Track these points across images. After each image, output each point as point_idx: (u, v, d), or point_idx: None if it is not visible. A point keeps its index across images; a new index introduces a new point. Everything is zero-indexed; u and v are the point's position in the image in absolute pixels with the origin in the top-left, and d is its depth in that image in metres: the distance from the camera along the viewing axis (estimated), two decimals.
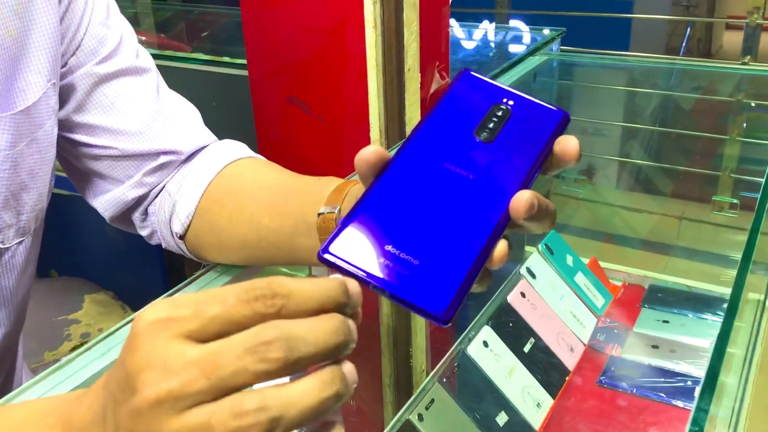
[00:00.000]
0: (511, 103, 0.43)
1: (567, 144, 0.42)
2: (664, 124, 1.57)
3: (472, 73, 0.44)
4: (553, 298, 0.96)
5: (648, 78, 1.52)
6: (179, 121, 0.71)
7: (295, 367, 0.31)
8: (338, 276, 0.36)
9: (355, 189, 0.57)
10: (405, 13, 0.74)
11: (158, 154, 0.69)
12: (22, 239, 0.66)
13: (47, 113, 0.64)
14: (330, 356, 0.32)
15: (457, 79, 0.44)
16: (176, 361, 0.30)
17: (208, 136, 0.74)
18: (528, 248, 1.19)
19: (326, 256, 0.37)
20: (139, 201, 0.71)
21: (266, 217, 0.65)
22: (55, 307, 1.59)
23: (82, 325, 1.57)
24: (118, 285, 1.71)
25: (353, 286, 0.35)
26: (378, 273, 0.36)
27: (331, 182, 0.61)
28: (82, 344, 1.55)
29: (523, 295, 0.93)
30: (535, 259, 0.98)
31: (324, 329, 0.32)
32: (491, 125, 0.42)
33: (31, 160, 0.63)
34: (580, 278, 1.02)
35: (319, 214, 0.58)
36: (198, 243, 0.70)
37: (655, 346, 0.94)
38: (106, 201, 0.71)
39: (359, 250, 0.37)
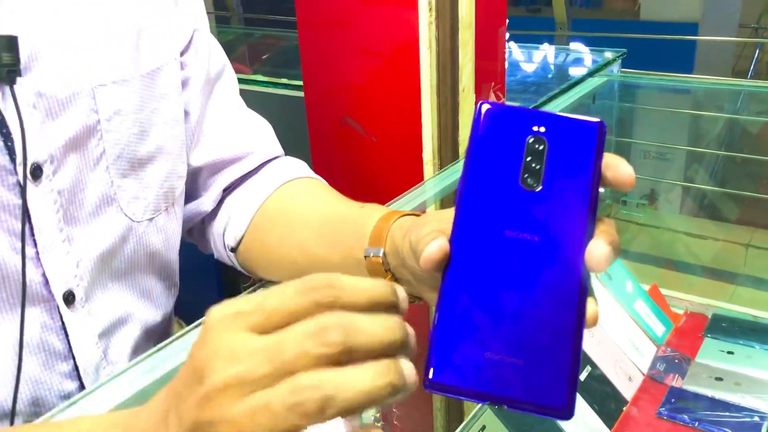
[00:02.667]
0: (542, 129, 0.40)
1: (620, 172, 0.39)
2: (729, 148, 1.52)
3: (490, 104, 0.41)
4: (611, 324, 0.94)
5: (712, 100, 1.48)
6: (259, 127, 0.75)
7: (353, 355, 0.32)
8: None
9: (396, 225, 0.57)
10: (460, 34, 0.74)
11: (237, 159, 0.72)
12: (152, 216, 0.66)
13: (171, 86, 0.66)
14: (387, 351, 0.33)
15: (479, 117, 0.41)
16: (242, 350, 0.33)
17: (278, 147, 0.76)
18: None
19: (433, 384, 0.36)
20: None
21: (315, 245, 0.66)
22: None
23: None
24: (176, 301, 1.74)
25: (401, 290, 0.35)
26: (489, 387, 0.35)
27: (374, 213, 0.61)
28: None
29: None
30: (593, 284, 0.96)
31: (381, 323, 0.33)
32: (534, 166, 0.39)
33: (157, 132, 0.65)
34: (639, 305, 0.99)
35: (365, 256, 0.58)
36: (249, 258, 0.71)
37: (719, 378, 0.90)
38: (186, 211, 0.73)
39: (461, 367, 0.36)
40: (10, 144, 0.54)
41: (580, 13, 4.15)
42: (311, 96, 0.91)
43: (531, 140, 0.39)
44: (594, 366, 0.88)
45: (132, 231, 0.65)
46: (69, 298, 0.60)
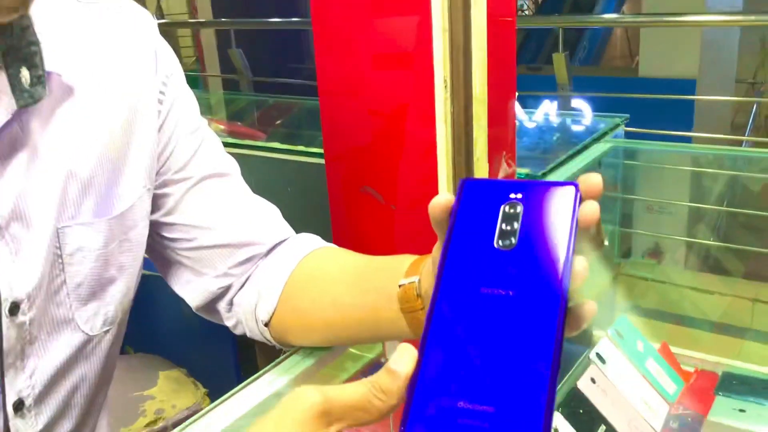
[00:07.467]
0: (519, 195, 0.42)
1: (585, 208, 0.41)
2: (732, 205, 1.55)
3: (471, 179, 0.44)
4: (624, 384, 0.96)
5: (715, 159, 1.52)
6: (260, 217, 0.76)
7: None
8: None
9: (431, 260, 0.59)
10: (474, 108, 0.78)
11: (241, 246, 0.74)
12: (108, 328, 0.69)
13: (141, 216, 0.69)
14: None
15: (460, 192, 0.43)
16: None
17: (287, 230, 0.78)
18: (597, 333, 1.19)
19: None
20: (224, 292, 0.75)
21: (348, 296, 0.69)
22: (131, 383, 1.64)
23: (157, 401, 1.61)
24: (191, 362, 1.76)
25: None
26: None
27: (408, 258, 0.65)
28: (156, 420, 1.59)
29: (593, 380, 0.92)
30: (604, 344, 0.98)
31: None
32: (508, 227, 0.41)
33: (122, 257, 0.68)
34: (651, 364, 1.01)
35: (400, 285, 0.61)
36: (283, 328, 0.73)
37: None
38: (191, 290, 0.75)
39: (433, 419, 0.36)
40: None
41: (580, 71, 4.24)
42: (331, 164, 0.95)
43: (506, 205, 0.42)
44: (608, 425, 0.90)
45: (88, 344, 0.68)
46: (18, 405, 0.63)
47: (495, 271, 0.40)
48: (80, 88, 0.63)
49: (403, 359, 0.38)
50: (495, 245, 0.41)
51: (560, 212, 0.41)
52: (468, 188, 0.43)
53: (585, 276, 0.40)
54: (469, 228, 0.42)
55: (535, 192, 0.42)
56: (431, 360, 0.38)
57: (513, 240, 0.41)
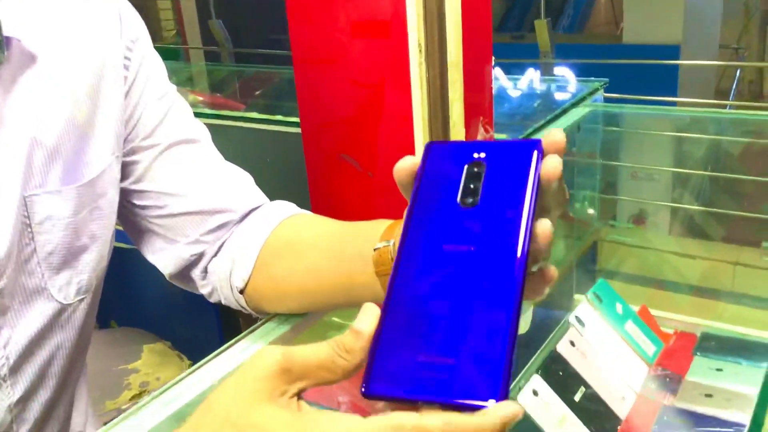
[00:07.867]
0: (482, 155, 0.42)
1: (546, 165, 0.41)
2: (714, 169, 1.56)
3: (437, 142, 0.44)
4: (603, 346, 0.97)
5: (697, 123, 1.52)
6: (232, 183, 0.76)
7: None
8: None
9: None
10: (449, 73, 0.78)
11: (213, 212, 0.73)
12: (83, 297, 0.69)
13: (110, 183, 0.69)
14: None
15: (426, 154, 0.44)
16: None
17: (260, 197, 0.78)
18: (577, 296, 1.20)
19: (370, 393, 0.37)
20: (198, 259, 0.75)
21: (323, 261, 0.69)
22: (116, 356, 1.65)
23: (141, 374, 1.62)
24: (175, 335, 1.76)
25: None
26: (421, 390, 0.36)
27: (383, 222, 0.65)
28: (141, 393, 1.60)
29: (572, 343, 0.93)
30: (583, 307, 0.99)
31: None
32: (471, 186, 0.41)
33: (93, 225, 0.68)
34: (630, 326, 1.02)
35: (375, 249, 0.62)
36: (257, 295, 0.73)
37: (709, 395, 0.93)
38: (164, 258, 0.75)
39: (395, 374, 0.37)
40: None
41: (563, 38, 4.21)
42: (308, 133, 0.94)
43: (470, 165, 0.42)
44: (588, 387, 0.91)
45: (62, 313, 0.67)
46: None
47: (457, 229, 0.40)
48: (42, 54, 0.62)
49: (367, 318, 0.39)
50: (458, 204, 0.41)
51: (522, 168, 0.41)
52: (433, 151, 0.44)
53: (549, 238, 0.40)
54: (434, 188, 0.42)
55: (499, 150, 0.43)
56: (393, 317, 0.39)
57: (475, 198, 0.41)
